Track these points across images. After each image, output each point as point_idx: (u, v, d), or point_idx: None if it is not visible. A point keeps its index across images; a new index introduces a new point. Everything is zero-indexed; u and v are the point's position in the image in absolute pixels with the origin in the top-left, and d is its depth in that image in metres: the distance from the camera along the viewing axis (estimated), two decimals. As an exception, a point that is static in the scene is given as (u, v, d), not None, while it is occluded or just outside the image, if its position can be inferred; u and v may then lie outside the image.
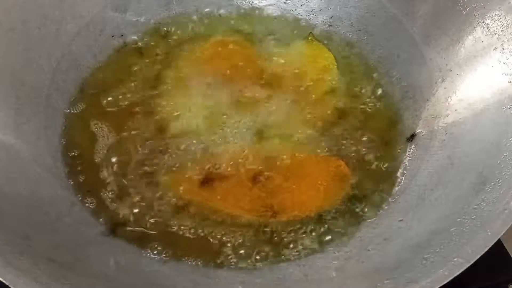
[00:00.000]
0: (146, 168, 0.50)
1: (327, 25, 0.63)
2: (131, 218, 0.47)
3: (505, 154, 0.42)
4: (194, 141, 0.51)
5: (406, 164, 0.51)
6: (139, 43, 0.61)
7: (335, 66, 0.59)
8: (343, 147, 0.52)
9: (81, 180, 0.49)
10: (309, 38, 0.61)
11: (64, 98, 0.54)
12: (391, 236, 0.44)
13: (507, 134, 0.43)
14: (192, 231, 0.46)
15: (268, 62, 0.59)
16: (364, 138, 0.52)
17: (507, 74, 0.47)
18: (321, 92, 0.56)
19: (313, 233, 0.46)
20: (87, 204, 0.47)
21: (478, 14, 0.51)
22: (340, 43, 0.61)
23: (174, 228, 0.46)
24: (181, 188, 0.48)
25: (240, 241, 0.45)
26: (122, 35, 0.61)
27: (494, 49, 0.49)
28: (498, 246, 0.47)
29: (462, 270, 0.34)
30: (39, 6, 0.54)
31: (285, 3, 0.65)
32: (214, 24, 0.63)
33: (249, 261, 0.44)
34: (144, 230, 0.46)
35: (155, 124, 0.53)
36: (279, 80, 0.57)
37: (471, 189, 0.42)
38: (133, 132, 0.52)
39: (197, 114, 0.54)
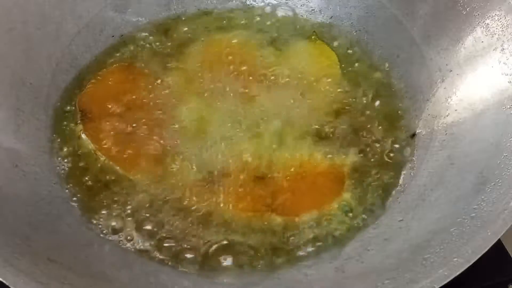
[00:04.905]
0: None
1: (327, 25, 0.63)
2: (131, 218, 0.46)
3: (505, 154, 0.42)
4: (194, 141, 0.51)
5: (406, 164, 0.51)
6: (139, 43, 0.61)
7: (338, 66, 0.58)
8: (343, 146, 0.52)
9: (81, 180, 0.49)
10: (312, 37, 0.61)
11: (64, 98, 0.54)
12: (391, 236, 0.44)
13: (507, 134, 0.43)
14: (192, 231, 0.46)
15: (269, 62, 0.59)
16: (364, 138, 0.52)
17: (507, 74, 0.47)
18: (323, 92, 0.56)
19: (313, 233, 0.46)
20: (87, 204, 0.47)
21: (478, 14, 0.51)
22: (340, 43, 0.61)
23: (174, 229, 0.46)
24: (182, 188, 0.48)
25: (240, 242, 0.45)
26: (122, 35, 0.61)
27: (494, 49, 0.49)
28: (498, 246, 0.47)
29: (462, 270, 0.34)
30: (39, 6, 0.54)
31: (285, 3, 0.65)
32: (214, 23, 0.63)
33: (249, 262, 0.44)
34: (144, 230, 0.46)
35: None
36: (280, 80, 0.57)
37: (471, 189, 0.42)
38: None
39: (197, 114, 0.54)
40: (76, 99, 0.54)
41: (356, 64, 0.59)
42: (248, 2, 0.65)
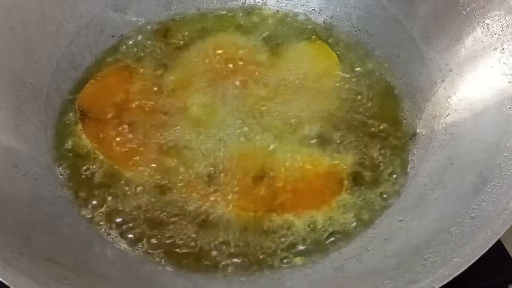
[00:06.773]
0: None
1: (327, 25, 0.63)
2: (131, 218, 0.47)
3: (505, 154, 0.42)
4: (195, 141, 0.51)
5: (406, 164, 0.51)
6: (139, 43, 0.61)
7: (338, 66, 0.58)
8: (343, 147, 0.52)
9: (81, 180, 0.49)
10: (313, 37, 0.61)
11: (64, 98, 0.54)
12: (391, 236, 0.44)
13: (507, 134, 0.43)
14: (192, 231, 0.46)
15: (269, 62, 0.59)
16: (365, 138, 0.52)
17: (507, 74, 0.47)
18: (323, 92, 0.56)
19: (313, 233, 0.46)
20: (87, 204, 0.47)
21: (478, 14, 0.51)
22: (340, 43, 0.61)
23: (174, 229, 0.46)
24: (182, 188, 0.48)
25: (240, 241, 0.45)
26: (122, 35, 0.61)
27: (494, 49, 0.49)
28: (498, 246, 0.47)
29: (462, 270, 0.34)
30: (39, 6, 0.54)
31: (285, 3, 0.65)
32: (214, 24, 0.63)
33: (249, 261, 0.44)
34: (144, 230, 0.46)
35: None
36: (281, 80, 0.57)
37: (471, 189, 0.42)
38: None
39: (197, 114, 0.54)
40: (76, 99, 0.54)
41: (356, 64, 0.59)
42: (248, 3, 0.65)
